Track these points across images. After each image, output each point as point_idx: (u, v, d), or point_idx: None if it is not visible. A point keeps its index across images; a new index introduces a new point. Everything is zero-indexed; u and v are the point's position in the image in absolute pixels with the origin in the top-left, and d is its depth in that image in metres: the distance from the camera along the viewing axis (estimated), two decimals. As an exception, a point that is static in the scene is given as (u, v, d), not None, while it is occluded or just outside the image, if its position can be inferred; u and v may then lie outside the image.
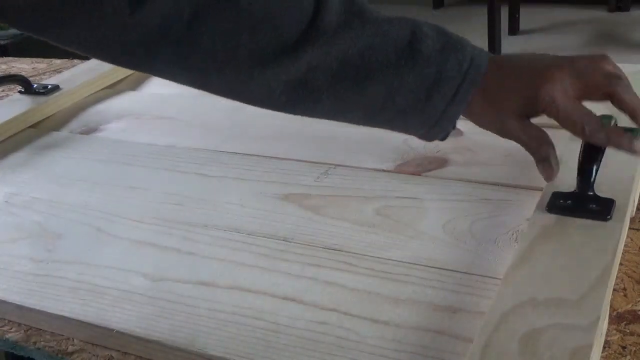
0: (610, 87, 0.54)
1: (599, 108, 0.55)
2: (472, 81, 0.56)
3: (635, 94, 0.54)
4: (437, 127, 0.58)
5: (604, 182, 0.56)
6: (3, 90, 1.10)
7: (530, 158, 0.57)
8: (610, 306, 0.49)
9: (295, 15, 0.54)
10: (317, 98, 0.57)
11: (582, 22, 3.65)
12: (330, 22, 0.54)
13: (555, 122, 0.54)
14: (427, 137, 0.60)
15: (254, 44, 0.54)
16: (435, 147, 0.74)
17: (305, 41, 0.54)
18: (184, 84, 0.59)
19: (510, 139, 0.58)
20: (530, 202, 0.59)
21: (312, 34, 0.54)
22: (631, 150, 0.53)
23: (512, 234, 0.58)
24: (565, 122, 0.54)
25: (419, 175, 0.69)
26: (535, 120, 0.57)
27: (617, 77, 0.54)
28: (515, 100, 0.56)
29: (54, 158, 0.83)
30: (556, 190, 0.57)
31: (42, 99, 0.96)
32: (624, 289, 0.52)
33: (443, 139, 0.61)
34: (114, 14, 0.52)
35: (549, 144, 0.56)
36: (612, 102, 0.54)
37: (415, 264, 0.56)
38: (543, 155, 0.56)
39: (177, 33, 0.53)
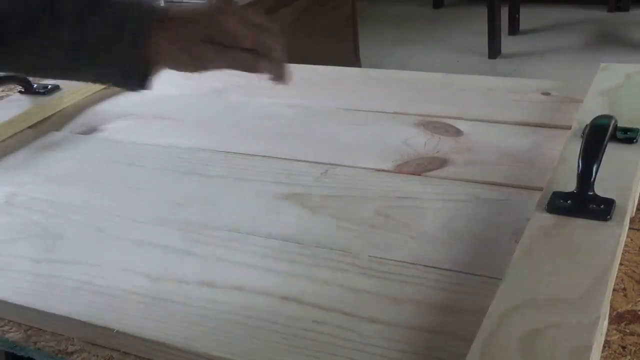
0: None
1: (599, 109, 0.55)
2: (151, 18, 0.59)
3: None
4: (133, 69, 0.60)
5: (604, 182, 0.56)
6: (3, 90, 1.10)
7: (530, 158, 0.57)
8: (610, 306, 0.49)
9: None
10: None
11: (582, 22, 3.65)
12: None
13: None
14: (127, 81, 0.62)
15: None
16: (435, 147, 0.74)
17: None
18: None
19: (211, 66, 0.59)
20: (530, 202, 0.59)
21: None
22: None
23: (512, 234, 0.58)
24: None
25: (419, 175, 0.69)
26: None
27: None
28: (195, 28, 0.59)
29: (54, 158, 0.83)
30: (556, 190, 0.57)
31: (42, 99, 0.96)
32: (624, 289, 0.52)
33: (144, 85, 0.61)
34: None
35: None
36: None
37: (415, 264, 0.56)
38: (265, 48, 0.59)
39: None
